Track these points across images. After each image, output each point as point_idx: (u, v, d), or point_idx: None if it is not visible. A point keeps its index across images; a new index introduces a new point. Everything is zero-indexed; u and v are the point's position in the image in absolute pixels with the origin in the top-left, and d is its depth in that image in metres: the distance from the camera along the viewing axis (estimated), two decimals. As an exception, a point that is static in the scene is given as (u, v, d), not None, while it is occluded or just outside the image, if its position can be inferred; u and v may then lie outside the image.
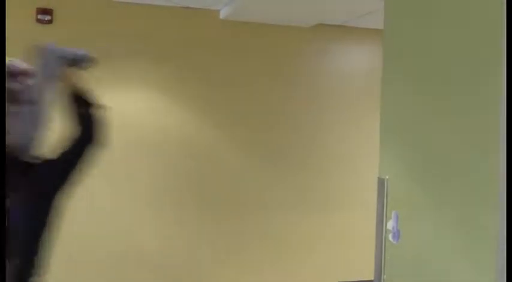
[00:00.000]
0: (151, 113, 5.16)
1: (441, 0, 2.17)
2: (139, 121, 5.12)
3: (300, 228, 5.51)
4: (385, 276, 2.52)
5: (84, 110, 2.27)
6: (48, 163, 2.10)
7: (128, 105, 5.10)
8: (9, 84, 2.06)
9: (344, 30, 5.54)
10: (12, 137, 1.98)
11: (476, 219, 1.88)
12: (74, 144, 2.21)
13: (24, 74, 2.16)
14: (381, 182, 2.55)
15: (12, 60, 2.21)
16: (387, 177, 2.51)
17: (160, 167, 5.19)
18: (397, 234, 2.40)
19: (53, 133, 2.21)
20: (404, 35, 2.46)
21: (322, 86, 5.61)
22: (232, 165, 5.36)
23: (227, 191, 5.37)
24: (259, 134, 5.45)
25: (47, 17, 4.81)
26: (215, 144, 5.32)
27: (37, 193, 2.06)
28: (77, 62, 2.33)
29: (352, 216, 5.56)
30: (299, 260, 5.50)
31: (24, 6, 4.75)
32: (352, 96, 5.65)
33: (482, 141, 1.86)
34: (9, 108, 1.99)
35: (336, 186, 5.62)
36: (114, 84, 5.07)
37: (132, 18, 5.07)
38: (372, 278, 2.64)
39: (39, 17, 4.80)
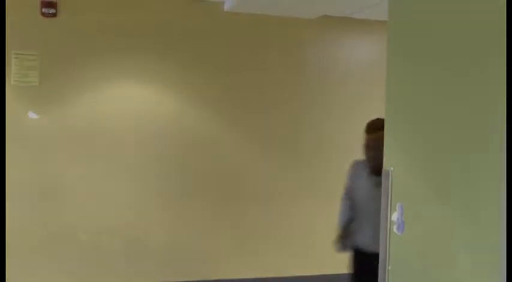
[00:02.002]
0: (156, 105, 5.16)
1: (446, -9, 2.16)
2: (144, 113, 5.13)
3: (303, 219, 5.52)
4: (390, 267, 2.53)
5: None
6: None
7: (131, 97, 5.11)
8: None
9: (349, 22, 5.52)
10: None
11: (480, 211, 1.88)
12: None
13: None
14: (386, 174, 2.55)
15: None
16: (392, 168, 2.51)
17: (164, 159, 5.20)
18: (401, 226, 2.40)
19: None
20: (409, 27, 2.46)
21: (327, 78, 5.60)
22: (236, 156, 5.37)
23: (230, 182, 5.38)
24: (263, 126, 5.45)
25: (51, 10, 4.82)
26: (219, 136, 5.32)
27: None
28: None
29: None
30: (301, 251, 5.51)
31: (28, 0, 4.76)
32: (357, 87, 5.64)
33: (486, 132, 1.86)
34: None
35: (340, 178, 5.61)
36: (118, 77, 5.08)
37: (135, 10, 5.07)
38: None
39: (44, 10, 4.81)
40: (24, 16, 4.73)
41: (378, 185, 2.98)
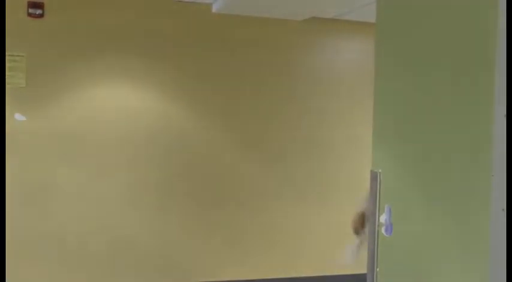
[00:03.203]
0: (144, 106, 5.14)
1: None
2: (132, 114, 5.11)
3: (292, 221, 5.52)
4: (378, 269, 2.54)
5: None
6: None
7: (119, 98, 5.09)
8: None
9: (337, 24, 5.53)
10: None
11: (468, 213, 1.89)
12: None
13: None
14: (374, 176, 2.56)
15: None
16: (380, 170, 2.52)
17: (153, 160, 5.18)
18: (389, 228, 2.41)
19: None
20: (397, 28, 2.47)
21: (315, 79, 5.60)
22: (224, 157, 5.36)
23: (220, 183, 5.36)
24: (251, 127, 5.45)
25: (38, 11, 4.79)
26: (207, 137, 5.31)
27: None
28: None
29: (344, 209, 5.57)
30: (292, 252, 5.52)
31: (15, 0, 4.72)
32: (345, 89, 5.65)
33: (474, 135, 1.87)
34: None
35: (329, 179, 5.62)
36: (106, 78, 5.05)
37: (123, 11, 5.05)
38: (365, 272, 2.65)
39: (31, 11, 4.77)
40: (11, 17, 4.68)
41: None
